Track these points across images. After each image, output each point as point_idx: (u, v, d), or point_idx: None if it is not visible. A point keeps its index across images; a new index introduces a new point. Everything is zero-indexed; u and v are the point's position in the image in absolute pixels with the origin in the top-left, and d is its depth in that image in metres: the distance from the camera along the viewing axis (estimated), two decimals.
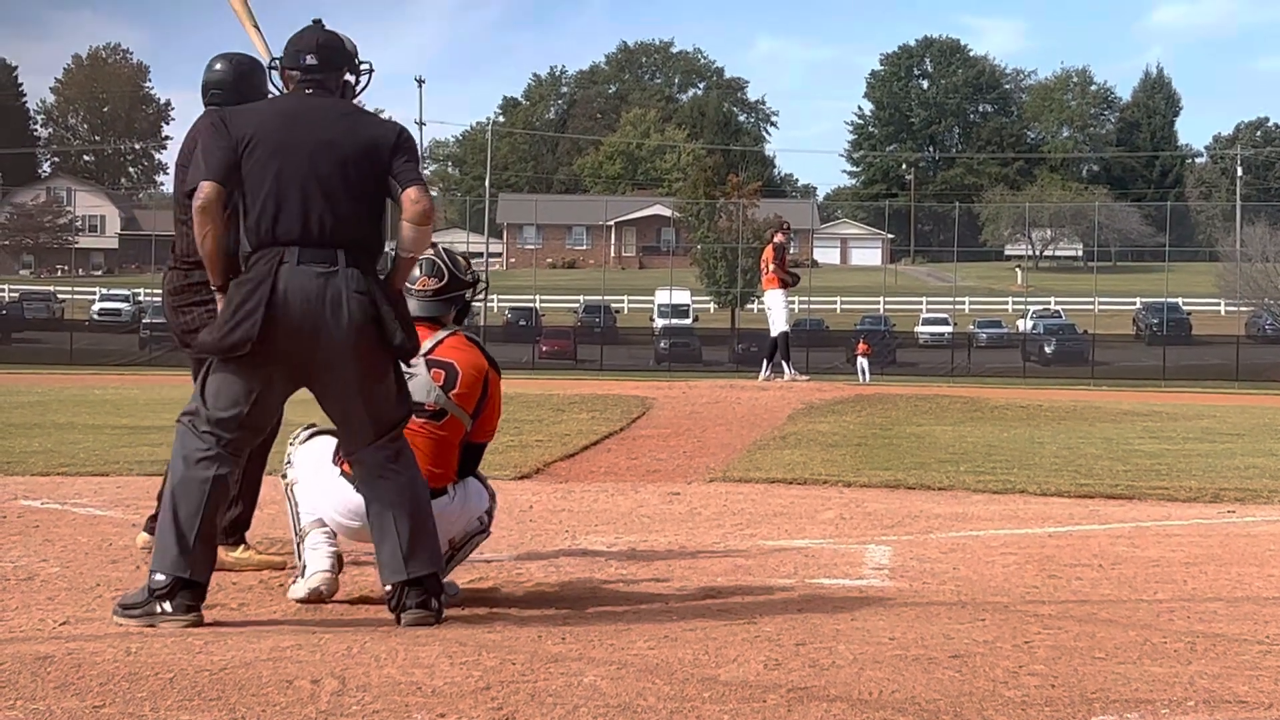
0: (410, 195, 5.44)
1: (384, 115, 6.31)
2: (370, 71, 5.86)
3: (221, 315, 5.36)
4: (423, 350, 5.92)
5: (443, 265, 6.15)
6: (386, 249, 5.64)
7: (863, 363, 48.49)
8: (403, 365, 5.62)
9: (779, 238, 22.61)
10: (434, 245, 6.19)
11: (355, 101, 5.82)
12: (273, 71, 5.82)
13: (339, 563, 6.00)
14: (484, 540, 6.22)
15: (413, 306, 5.85)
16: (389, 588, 5.47)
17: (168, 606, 5.26)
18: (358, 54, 5.79)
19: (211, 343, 5.36)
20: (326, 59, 5.64)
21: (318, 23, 5.81)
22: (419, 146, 5.83)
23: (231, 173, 5.38)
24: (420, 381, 5.86)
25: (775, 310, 22.59)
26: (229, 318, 5.31)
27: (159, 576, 5.29)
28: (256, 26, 6.98)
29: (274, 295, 5.27)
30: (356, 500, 5.69)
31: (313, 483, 5.94)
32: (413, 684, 4.37)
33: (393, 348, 5.41)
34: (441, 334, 6.03)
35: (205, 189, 5.34)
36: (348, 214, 5.39)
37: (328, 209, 5.36)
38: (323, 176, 5.38)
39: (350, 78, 5.76)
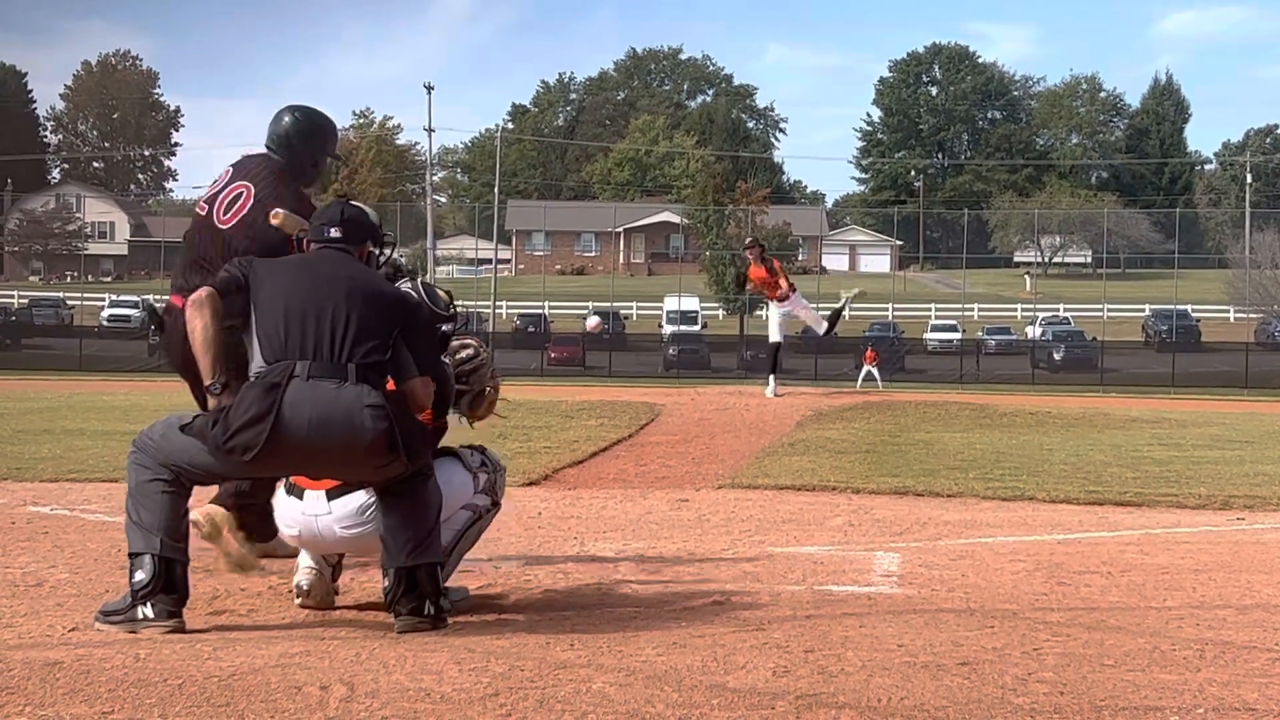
0: (414, 387, 5.59)
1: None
2: (393, 244, 6.06)
3: (229, 414, 5.30)
4: None
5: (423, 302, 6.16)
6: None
7: (872, 371, 48.25)
8: None
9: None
10: (413, 278, 6.28)
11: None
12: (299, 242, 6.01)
13: (328, 564, 5.98)
14: (494, 515, 6.15)
15: None
16: (386, 581, 5.51)
17: (149, 611, 5.27)
18: (381, 226, 5.98)
19: (219, 443, 5.31)
20: (349, 233, 5.80)
21: (342, 197, 6.02)
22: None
23: (231, 296, 5.51)
24: None
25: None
26: (236, 419, 5.28)
27: (139, 575, 5.31)
28: None
29: (283, 405, 5.27)
30: (290, 509, 5.74)
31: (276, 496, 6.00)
32: (421, 690, 4.37)
33: (403, 461, 5.41)
34: None
35: (204, 291, 5.48)
36: (359, 338, 5.43)
37: (339, 330, 5.42)
38: (337, 302, 5.47)
39: (374, 249, 5.95)
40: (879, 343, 56.77)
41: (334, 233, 5.76)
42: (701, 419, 17.88)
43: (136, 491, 5.41)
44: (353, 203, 6.00)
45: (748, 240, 23.14)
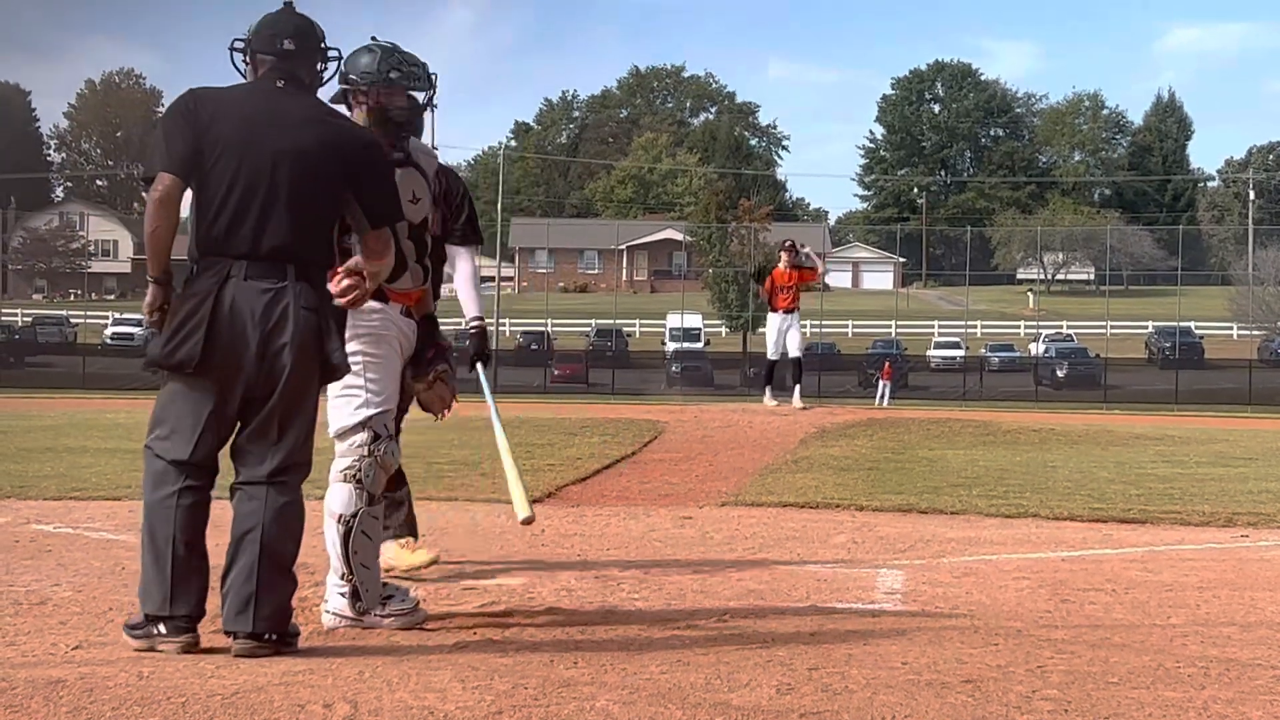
0: (371, 242, 5.31)
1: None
2: (338, 59, 5.63)
3: (167, 328, 5.18)
4: None
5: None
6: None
7: (884, 386, 48.23)
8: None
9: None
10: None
11: (322, 94, 5.61)
12: (236, 54, 5.47)
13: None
14: (376, 514, 5.89)
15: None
16: (223, 608, 5.24)
17: (163, 629, 5.22)
18: (325, 39, 5.55)
19: (158, 357, 5.18)
20: (303, 45, 5.40)
21: (289, 5, 5.51)
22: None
23: (191, 167, 5.17)
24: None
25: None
26: (174, 332, 5.15)
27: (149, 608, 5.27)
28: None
29: (218, 311, 5.12)
30: None
31: None
32: (425, 708, 4.36)
33: (329, 364, 5.28)
34: None
35: (166, 181, 5.14)
36: (303, 227, 5.22)
37: (283, 223, 5.17)
38: (281, 188, 5.18)
39: (319, 65, 5.51)
40: (891, 360, 56.66)
41: (288, 45, 5.32)
42: (704, 436, 17.87)
43: (151, 511, 5.23)
44: (300, 11, 5.48)
45: (786, 243, 23.11)
